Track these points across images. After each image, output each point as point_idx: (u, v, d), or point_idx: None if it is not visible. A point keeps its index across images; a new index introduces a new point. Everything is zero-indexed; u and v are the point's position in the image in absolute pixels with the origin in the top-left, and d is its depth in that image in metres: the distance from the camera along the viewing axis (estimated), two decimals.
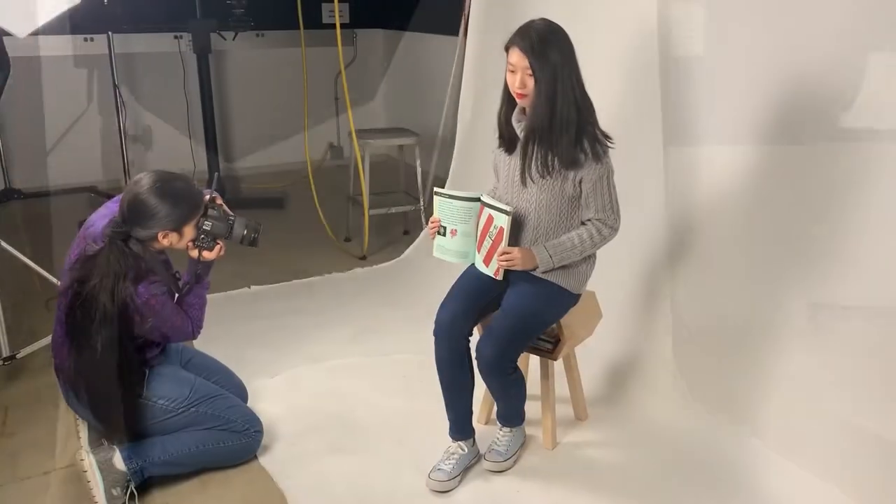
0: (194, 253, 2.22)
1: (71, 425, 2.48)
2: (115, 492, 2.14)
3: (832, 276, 2.23)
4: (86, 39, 5.27)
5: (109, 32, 4.85)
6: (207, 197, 2.23)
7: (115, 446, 2.21)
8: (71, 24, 4.75)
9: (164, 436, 2.26)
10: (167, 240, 2.14)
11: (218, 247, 2.24)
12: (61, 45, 5.21)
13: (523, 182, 2.20)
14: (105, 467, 2.14)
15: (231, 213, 2.27)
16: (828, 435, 2.20)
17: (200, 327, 2.30)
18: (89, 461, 2.14)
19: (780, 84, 2.37)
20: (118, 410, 2.17)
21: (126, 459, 2.18)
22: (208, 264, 2.27)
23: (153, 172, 2.16)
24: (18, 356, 2.87)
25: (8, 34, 3.67)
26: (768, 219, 2.42)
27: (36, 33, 3.87)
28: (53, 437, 2.54)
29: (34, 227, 4.63)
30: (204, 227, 2.19)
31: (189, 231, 2.18)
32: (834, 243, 2.23)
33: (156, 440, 2.25)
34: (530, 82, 2.10)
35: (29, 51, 5.02)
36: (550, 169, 2.15)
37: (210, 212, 2.21)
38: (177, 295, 2.25)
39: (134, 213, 2.09)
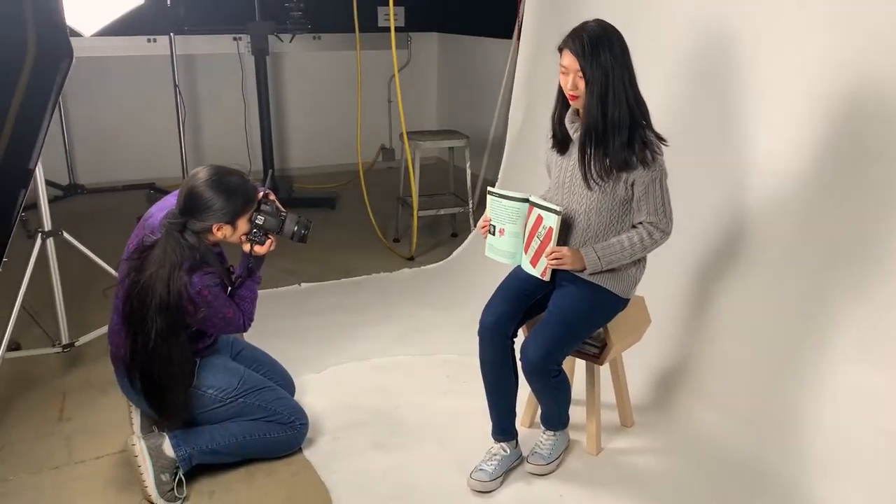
0: (246, 247, 2.27)
1: (124, 412, 2.55)
2: (164, 477, 2.19)
3: (889, 285, 2.16)
4: (149, 40, 5.44)
5: (171, 34, 4.99)
6: (261, 193, 2.28)
7: (164, 433, 2.26)
8: (135, 25, 4.90)
9: (212, 425, 2.31)
10: (221, 232, 2.19)
11: (269, 241, 2.28)
12: (125, 46, 5.39)
13: (587, 185, 2.18)
14: (155, 453, 2.20)
15: (283, 209, 2.32)
16: (880, 451, 2.12)
17: (251, 320, 2.34)
18: (140, 447, 2.20)
19: (838, 90, 2.31)
20: (171, 398, 2.22)
21: (175, 447, 2.23)
22: (260, 259, 2.31)
23: (210, 166, 2.21)
24: (77, 344, 2.96)
25: (74, 32, 3.80)
26: (823, 227, 2.36)
27: (101, 33, 4.00)
28: (108, 422, 2.62)
29: (95, 221, 4.79)
30: (256, 221, 2.24)
31: (242, 225, 2.22)
32: (890, 252, 2.16)
33: (204, 429, 2.30)
34: (581, 84, 2.09)
35: (94, 51, 5.21)
36: (609, 172, 2.13)
37: (263, 207, 2.26)
38: (229, 288, 2.30)
39: (190, 205, 2.15)
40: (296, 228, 2.29)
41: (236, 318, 2.28)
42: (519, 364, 2.23)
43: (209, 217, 2.15)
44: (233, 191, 2.17)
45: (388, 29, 4.05)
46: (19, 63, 2.25)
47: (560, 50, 2.14)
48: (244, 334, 3.20)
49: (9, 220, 2.45)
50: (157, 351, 2.14)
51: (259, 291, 3.75)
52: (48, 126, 2.41)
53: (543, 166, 2.43)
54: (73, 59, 2.33)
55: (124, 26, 4.31)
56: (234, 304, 2.28)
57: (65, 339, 2.93)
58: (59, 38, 2.31)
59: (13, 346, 2.93)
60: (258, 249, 2.27)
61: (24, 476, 2.34)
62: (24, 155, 2.40)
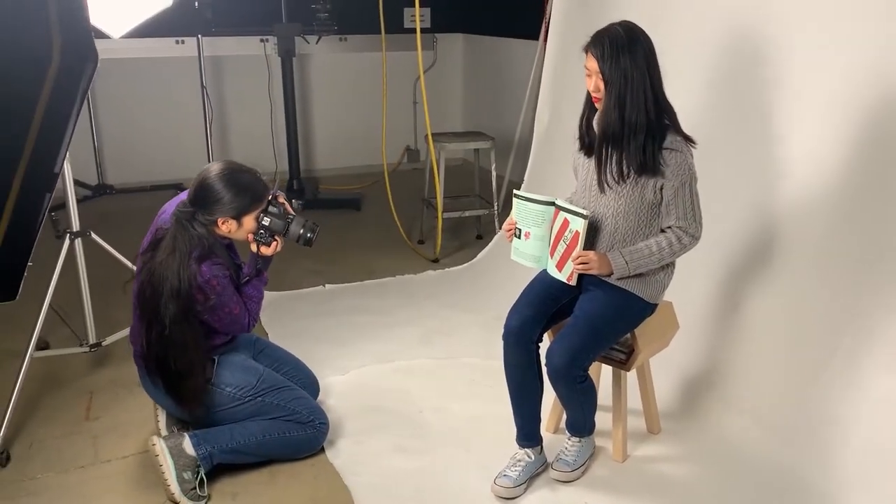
0: (253, 246, 2.30)
1: (150, 411, 2.56)
2: (187, 476, 2.20)
3: None
4: (177, 42, 5.48)
5: (199, 35, 5.03)
6: (272, 194, 2.30)
7: (184, 433, 2.27)
8: (163, 26, 4.94)
9: (231, 424, 2.32)
10: (226, 226, 2.22)
11: (275, 243, 2.30)
12: (153, 48, 5.44)
13: (601, 188, 2.17)
14: (175, 452, 2.21)
15: (292, 212, 2.34)
16: None
17: (256, 321, 2.36)
18: (160, 446, 2.21)
19: (871, 93, 2.26)
20: (188, 384, 2.24)
21: (195, 445, 2.23)
22: (267, 259, 2.34)
23: (225, 161, 2.26)
24: (104, 344, 2.98)
25: (103, 34, 3.84)
26: (856, 231, 2.30)
27: (129, 35, 4.03)
28: (134, 422, 2.64)
29: (123, 221, 4.83)
30: (262, 221, 2.27)
31: (248, 222, 2.24)
32: None
33: (224, 428, 2.31)
34: (602, 86, 2.09)
35: (123, 52, 5.26)
36: (626, 175, 2.11)
37: (270, 209, 2.29)
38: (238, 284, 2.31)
39: (200, 197, 2.20)
40: (301, 231, 2.31)
41: (241, 317, 2.30)
42: (544, 369, 2.20)
43: (216, 210, 2.19)
44: (242, 187, 2.21)
45: (413, 30, 4.04)
46: (44, 67, 2.26)
47: (585, 52, 2.14)
48: (269, 334, 3.23)
49: (34, 224, 2.46)
50: (172, 337, 2.17)
51: (284, 292, 3.77)
52: (73, 130, 2.42)
53: (570, 167, 2.40)
54: (98, 63, 2.35)
55: (152, 28, 4.34)
56: (242, 302, 2.30)
57: (92, 339, 2.96)
58: (83, 41, 2.32)
59: (42, 345, 2.96)
60: (264, 250, 2.30)
61: (51, 475, 2.36)
62: (49, 158, 2.42)
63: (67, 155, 2.69)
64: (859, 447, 2.19)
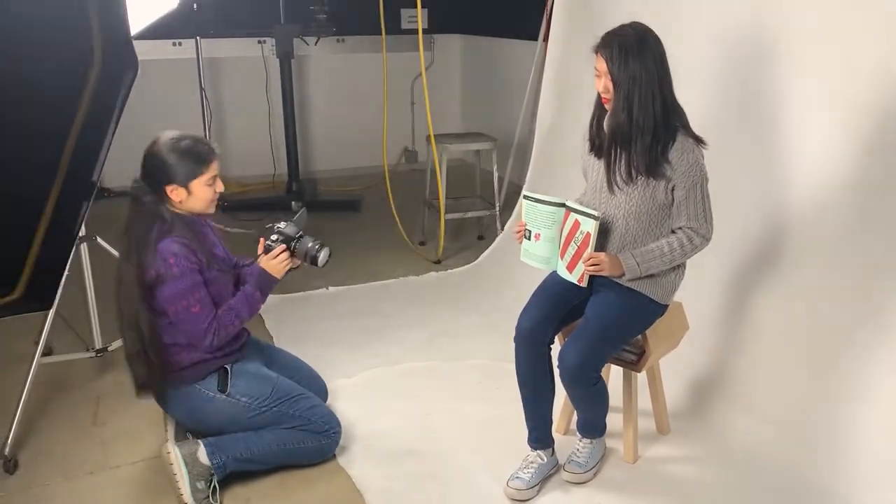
0: (260, 248, 2.33)
1: (158, 416, 2.55)
2: (200, 485, 2.18)
3: None
4: (174, 44, 5.46)
5: (197, 37, 5.01)
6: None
7: (199, 441, 2.26)
8: (160, 29, 4.91)
9: (246, 433, 2.30)
10: (175, 195, 2.23)
11: (280, 250, 2.29)
12: (151, 50, 5.39)
13: (610, 189, 2.17)
14: (190, 461, 2.19)
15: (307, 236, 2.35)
16: None
17: (222, 338, 2.25)
18: (175, 454, 2.19)
19: (885, 93, 2.26)
20: (133, 366, 2.27)
21: (210, 455, 2.22)
22: (269, 278, 2.32)
23: (169, 132, 2.27)
24: (110, 349, 2.97)
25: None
26: (868, 233, 2.30)
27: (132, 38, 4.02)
28: (142, 427, 2.62)
29: (122, 225, 4.81)
30: (277, 226, 2.31)
31: (198, 189, 2.23)
32: None
33: (238, 437, 2.29)
34: (612, 87, 2.10)
35: None
36: (634, 176, 2.11)
37: (292, 219, 2.32)
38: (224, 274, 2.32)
39: (147, 168, 2.24)
40: (310, 245, 2.31)
41: (201, 319, 2.20)
42: (556, 371, 2.20)
43: (161, 176, 2.21)
44: (184, 151, 2.22)
45: (410, 31, 4.04)
46: (85, 75, 2.26)
47: (595, 52, 2.14)
48: (274, 338, 3.22)
49: (72, 233, 2.46)
50: (123, 313, 2.22)
51: (287, 295, 3.74)
52: (112, 138, 2.43)
53: (571, 168, 2.42)
54: (139, 71, 2.35)
55: (150, 30, 4.31)
56: (210, 305, 2.23)
57: (98, 344, 2.95)
58: (124, 49, 2.33)
59: (46, 350, 2.94)
60: (266, 257, 2.30)
61: (61, 480, 2.35)
62: (87, 167, 2.43)
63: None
64: (870, 448, 2.20)
